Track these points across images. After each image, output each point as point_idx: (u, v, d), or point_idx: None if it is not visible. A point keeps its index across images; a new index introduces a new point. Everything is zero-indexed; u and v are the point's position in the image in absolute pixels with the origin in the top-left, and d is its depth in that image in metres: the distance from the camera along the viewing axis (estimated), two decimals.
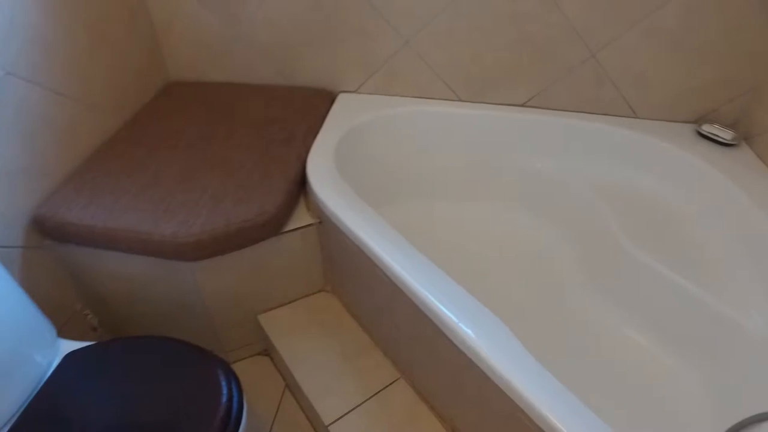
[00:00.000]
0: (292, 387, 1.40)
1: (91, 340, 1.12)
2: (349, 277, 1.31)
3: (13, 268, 1.20)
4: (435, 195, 1.72)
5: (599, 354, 1.35)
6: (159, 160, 1.39)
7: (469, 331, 0.92)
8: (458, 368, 0.98)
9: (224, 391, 0.99)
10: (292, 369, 1.29)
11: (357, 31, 1.56)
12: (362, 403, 1.22)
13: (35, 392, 1.01)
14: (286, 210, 1.28)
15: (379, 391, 1.24)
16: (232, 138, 1.48)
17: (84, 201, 1.26)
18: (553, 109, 1.58)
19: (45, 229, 1.24)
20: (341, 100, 1.65)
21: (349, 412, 1.20)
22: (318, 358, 1.31)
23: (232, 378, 1.03)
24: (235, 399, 0.99)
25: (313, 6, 1.54)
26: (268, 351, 1.52)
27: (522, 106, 1.61)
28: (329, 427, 1.17)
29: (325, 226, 1.29)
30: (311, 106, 1.60)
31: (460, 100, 1.65)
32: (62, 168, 1.33)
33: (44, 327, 1.07)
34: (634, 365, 1.32)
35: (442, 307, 0.96)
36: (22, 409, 0.98)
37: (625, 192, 1.50)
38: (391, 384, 1.26)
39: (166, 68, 1.78)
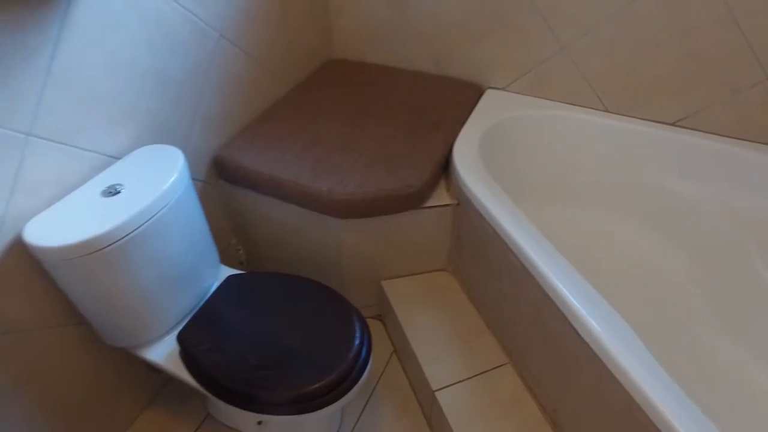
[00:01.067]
0: (400, 352, 1.51)
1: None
2: (476, 260, 1.37)
3: None
4: (566, 200, 1.73)
5: (723, 393, 1.28)
6: (318, 127, 1.55)
7: (596, 324, 0.95)
8: (577, 359, 1.02)
9: (358, 334, 1.11)
10: (408, 334, 1.39)
11: (516, 32, 1.61)
12: (468, 378, 1.29)
13: (203, 301, 1.20)
14: (429, 187, 1.38)
15: (485, 371, 1.30)
16: (385, 115, 1.60)
17: (255, 151, 1.45)
18: (706, 132, 1.53)
19: (222, 170, 1.45)
20: (489, 96, 1.71)
21: (455, 383, 1.28)
22: (432, 330, 1.40)
23: (365, 327, 1.15)
24: (365, 344, 1.11)
25: (477, 3, 1.62)
26: (382, 316, 1.63)
27: (672, 125, 1.57)
28: (436, 393, 1.25)
29: (463, 208, 1.37)
30: (460, 97, 1.69)
31: (608, 111, 1.64)
32: (240, 121, 1.54)
33: (213, 250, 1.27)
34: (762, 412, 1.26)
35: (572, 298, 1.00)
36: (194, 313, 1.18)
37: None
38: (497, 367, 1.31)
39: (331, 46, 1.95)
